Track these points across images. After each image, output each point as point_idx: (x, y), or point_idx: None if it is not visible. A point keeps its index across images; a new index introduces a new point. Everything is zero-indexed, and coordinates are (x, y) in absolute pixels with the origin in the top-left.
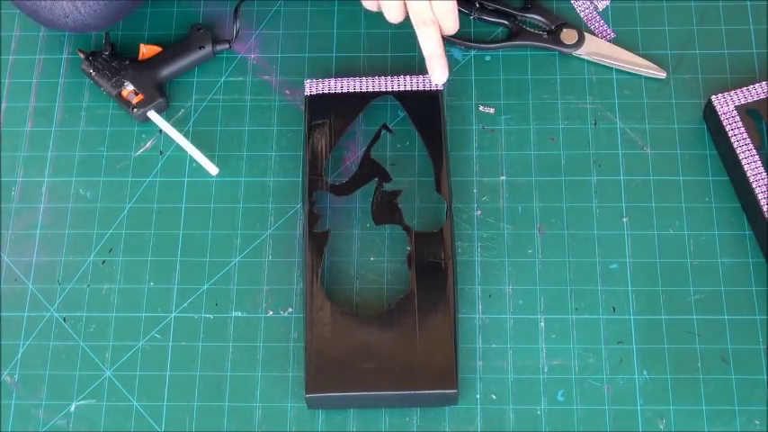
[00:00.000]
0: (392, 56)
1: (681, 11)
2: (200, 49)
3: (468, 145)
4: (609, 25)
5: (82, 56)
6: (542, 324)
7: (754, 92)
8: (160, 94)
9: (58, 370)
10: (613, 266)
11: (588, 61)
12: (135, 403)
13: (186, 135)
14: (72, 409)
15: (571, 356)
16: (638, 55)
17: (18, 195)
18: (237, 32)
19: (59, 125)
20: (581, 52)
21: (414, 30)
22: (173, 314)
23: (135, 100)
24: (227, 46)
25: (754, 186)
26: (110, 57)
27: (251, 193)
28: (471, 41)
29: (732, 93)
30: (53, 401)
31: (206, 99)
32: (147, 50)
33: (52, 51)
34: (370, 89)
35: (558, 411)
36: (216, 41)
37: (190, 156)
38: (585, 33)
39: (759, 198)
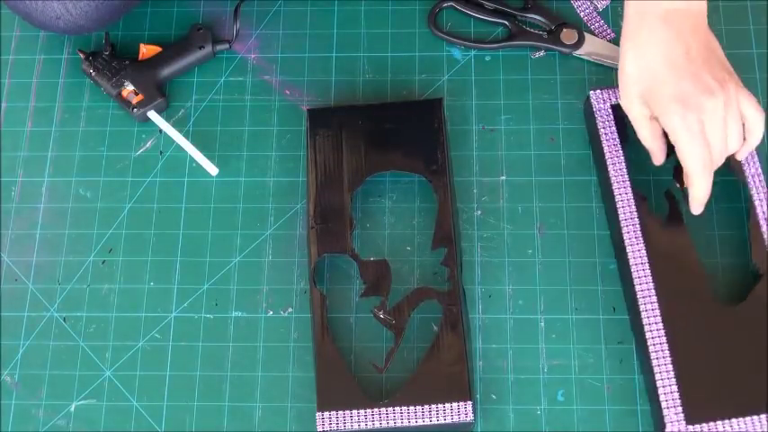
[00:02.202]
0: (392, 56)
1: None
2: (200, 49)
3: (468, 145)
4: (609, 25)
5: (82, 56)
6: (542, 324)
7: None
8: (160, 94)
9: (58, 370)
10: (613, 266)
11: (588, 61)
12: (135, 403)
13: (186, 135)
14: (72, 409)
15: (571, 356)
16: None
17: (18, 195)
18: (237, 32)
19: (59, 125)
20: (581, 52)
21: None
22: (173, 314)
23: (135, 100)
24: (227, 46)
25: (614, 189)
26: (110, 57)
27: (251, 193)
28: (471, 41)
29: (611, 90)
30: (53, 401)
31: (206, 99)
32: (147, 50)
33: (52, 51)
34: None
35: (558, 411)
36: (216, 41)
37: (190, 156)
38: (585, 33)
39: (617, 202)
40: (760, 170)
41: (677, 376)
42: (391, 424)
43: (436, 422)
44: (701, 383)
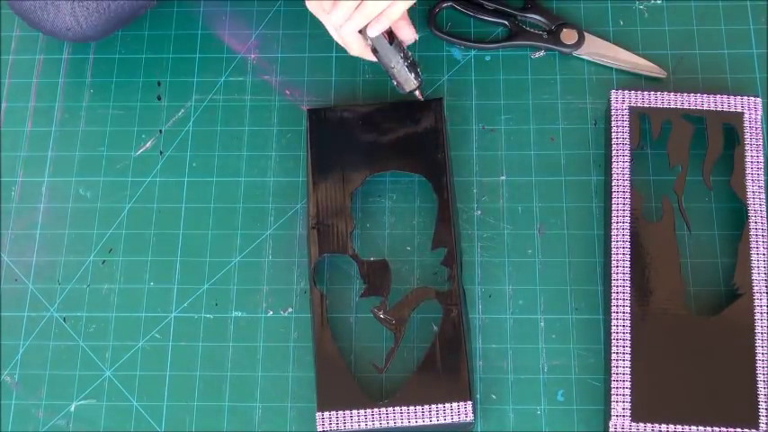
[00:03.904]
0: None
1: (681, 11)
2: None
3: (468, 145)
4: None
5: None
6: (542, 324)
7: (653, 98)
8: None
9: (58, 370)
10: None
11: (588, 61)
12: (135, 403)
13: (186, 135)
14: (72, 409)
15: (571, 356)
16: (638, 55)
17: (18, 195)
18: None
19: (59, 125)
20: (581, 52)
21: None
22: (173, 314)
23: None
24: None
25: (613, 188)
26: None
27: (251, 193)
28: (471, 41)
29: (632, 92)
30: (53, 401)
31: (206, 99)
32: None
33: (52, 51)
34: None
35: (558, 411)
36: None
37: (190, 155)
38: (585, 33)
39: (612, 201)
40: (762, 190)
41: (632, 375)
42: (391, 424)
43: (436, 422)
44: (655, 387)
